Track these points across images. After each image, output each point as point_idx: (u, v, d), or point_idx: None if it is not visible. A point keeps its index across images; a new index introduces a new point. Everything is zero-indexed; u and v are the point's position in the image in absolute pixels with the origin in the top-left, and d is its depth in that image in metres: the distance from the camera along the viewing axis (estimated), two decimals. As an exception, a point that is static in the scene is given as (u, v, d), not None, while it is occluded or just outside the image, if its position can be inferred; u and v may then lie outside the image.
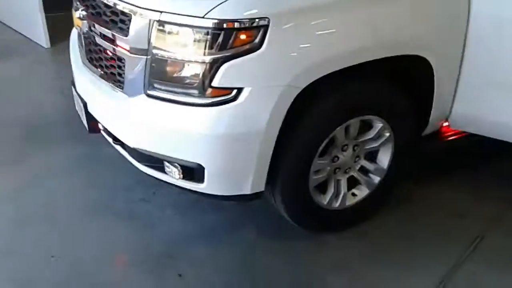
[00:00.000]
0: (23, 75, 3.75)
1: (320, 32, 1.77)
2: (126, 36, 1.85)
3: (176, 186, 2.00)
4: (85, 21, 2.09)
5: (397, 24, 1.93)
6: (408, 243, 2.21)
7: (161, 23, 1.73)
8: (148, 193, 2.46)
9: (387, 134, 2.14)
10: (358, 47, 1.86)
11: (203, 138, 1.79)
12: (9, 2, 4.38)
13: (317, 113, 1.91)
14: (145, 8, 1.76)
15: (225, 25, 1.66)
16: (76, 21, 2.18)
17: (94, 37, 2.07)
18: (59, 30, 4.10)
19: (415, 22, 1.98)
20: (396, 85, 2.09)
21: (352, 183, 2.22)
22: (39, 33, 4.13)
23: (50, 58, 4.05)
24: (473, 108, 2.25)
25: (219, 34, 1.67)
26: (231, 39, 1.68)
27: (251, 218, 2.32)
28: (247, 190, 1.91)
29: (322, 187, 2.15)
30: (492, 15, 2.03)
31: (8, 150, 2.84)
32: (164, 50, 1.76)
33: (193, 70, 1.74)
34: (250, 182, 1.88)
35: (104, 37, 1.99)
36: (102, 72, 2.09)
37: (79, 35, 2.30)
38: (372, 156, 2.22)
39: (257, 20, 1.67)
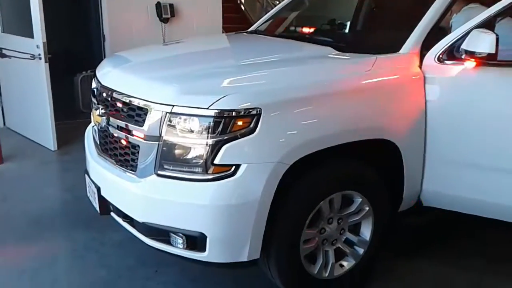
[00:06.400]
0: (31, 174, 4.04)
1: (302, 119, 2.15)
2: (142, 126, 2.20)
3: (180, 257, 2.20)
4: (103, 117, 2.46)
5: (365, 114, 2.34)
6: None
7: (173, 114, 2.10)
8: (150, 272, 2.64)
9: (367, 208, 2.43)
10: (333, 132, 2.24)
11: (206, 209, 2.06)
12: (23, 112, 4.86)
13: (303, 186, 2.21)
14: (159, 103, 2.14)
15: (225, 114, 2.04)
16: (96, 118, 2.55)
17: (110, 130, 2.42)
18: (63, 136, 4.55)
19: (381, 113, 2.39)
20: (372, 165, 2.44)
21: (340, 255, 2.45)
22: (48, 138, 4.54)
23: (56, 159, 4.39)
24: (440, 186, 2.59)
25: (220, 121, 2.04)
26: (230, 125, 2.04)
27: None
28: (244, 257, 2.13)
29: (313, 259, 2.37)
30: (444, 106, 2.46)
31: (18, 237, 3.02)
32: (174, 136, 2.11)
33: (198, 151, 2.08)
34: (247, 250, 2.11)
35: (121, 129, 2.35)
36: (116, 159, 2.41)
37: (94, 131, 2.67)
38: (355, 229, 2.48)
39: (250, 110, 2.06)
